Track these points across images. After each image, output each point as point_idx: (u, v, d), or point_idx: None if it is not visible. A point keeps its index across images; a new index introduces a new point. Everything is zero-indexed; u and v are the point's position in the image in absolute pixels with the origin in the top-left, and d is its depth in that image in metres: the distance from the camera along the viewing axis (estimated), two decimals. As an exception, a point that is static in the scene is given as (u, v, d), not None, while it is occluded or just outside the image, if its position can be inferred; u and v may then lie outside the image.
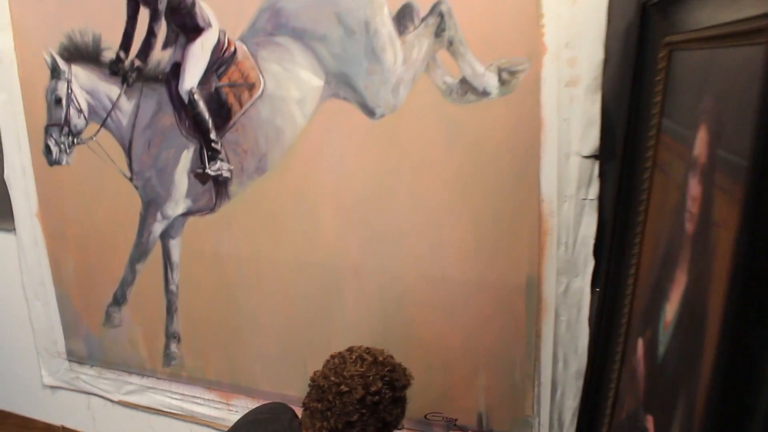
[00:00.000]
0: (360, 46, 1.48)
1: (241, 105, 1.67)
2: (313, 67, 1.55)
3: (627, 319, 1.20)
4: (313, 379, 1.24)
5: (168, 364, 2.06)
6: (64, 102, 1.92)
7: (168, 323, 2.00)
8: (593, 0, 1.22)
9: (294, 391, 1.80)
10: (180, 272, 1.93)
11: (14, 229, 2.20)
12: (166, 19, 1.72)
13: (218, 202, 1.79)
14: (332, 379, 1.18)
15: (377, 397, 1.16)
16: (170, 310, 1.99)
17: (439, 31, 1.39)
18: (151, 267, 1.97)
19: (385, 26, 1.45)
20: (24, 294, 2.28)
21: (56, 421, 2.45)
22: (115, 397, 2.22)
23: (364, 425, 1.16)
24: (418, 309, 1.58)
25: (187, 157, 1.81)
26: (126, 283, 2.04)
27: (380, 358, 1.21)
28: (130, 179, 1.92)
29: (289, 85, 1.59)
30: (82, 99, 1.91)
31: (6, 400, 2.54)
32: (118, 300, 2.08)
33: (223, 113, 1.71)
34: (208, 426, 2.05)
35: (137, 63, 1.79)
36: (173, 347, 2.03)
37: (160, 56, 1.76)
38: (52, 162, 2.02)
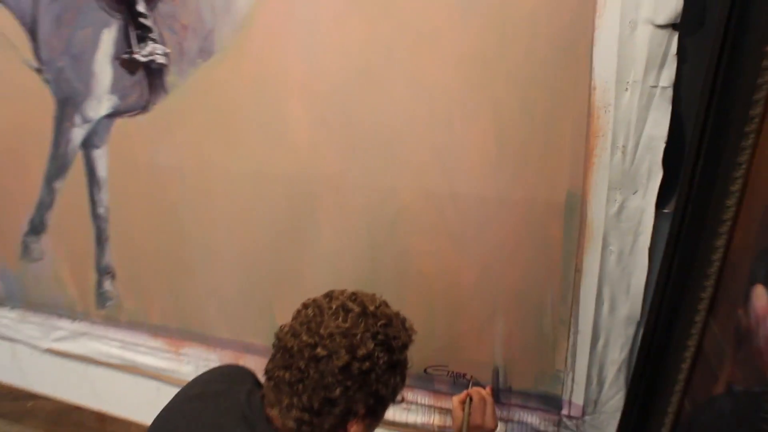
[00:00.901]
0: None
1: (175, -41, 1.25)
2: None
3: (722, 253, 0.86)
4: (278, 337, 0.88)
5: (102, 306, 1.71)
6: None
7: (98, 255, 1.64)
8: None
9: (259, 339, 1.52)
10: (109, 191, 1.56)
11: None
12: None
13: (153, 98, 1.41)
14: (304, 338, 0.83)
15: (368, 364, 0.82)
16: (100, 240, 1.62)
17: None
18: (72, 185, 1.59)
19: None
20: None
21: (-24, 373, 2.08)
22: (44, 344, 1.87)
23: (349, 402, 0.82)
24: (418, 236, 1.24)
25: (108, 38, 1.40)
26: (43, 206, 1.65)
27: (371, 308, 0.87)
28: (38, 71, 1.50)
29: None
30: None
31: None
32: (36, 228, 1.70)
33: (152, -27, 1.30)
34: (155, 378, 1.71)
35: None
36: (107, 285, 1.67)
37: None
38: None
